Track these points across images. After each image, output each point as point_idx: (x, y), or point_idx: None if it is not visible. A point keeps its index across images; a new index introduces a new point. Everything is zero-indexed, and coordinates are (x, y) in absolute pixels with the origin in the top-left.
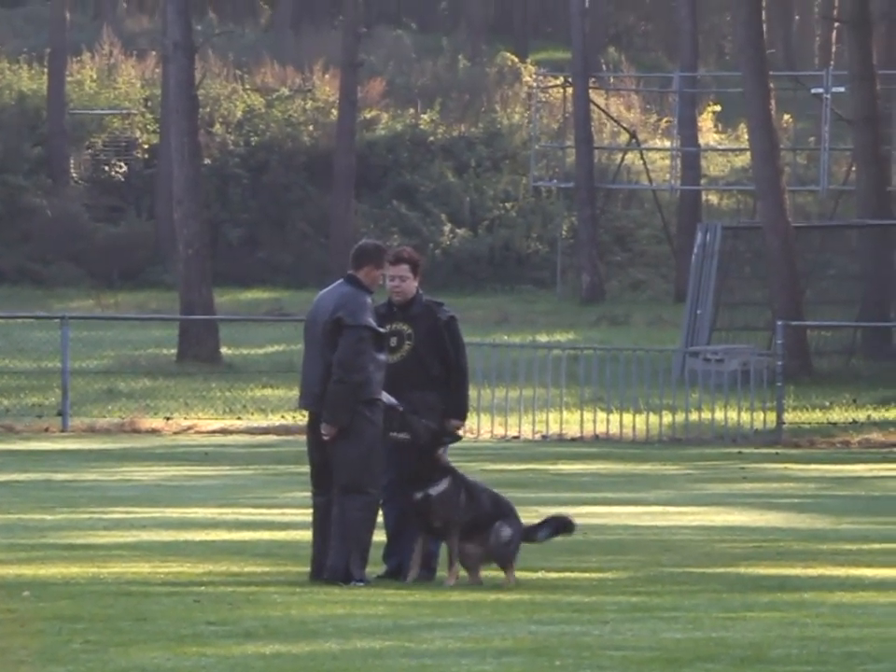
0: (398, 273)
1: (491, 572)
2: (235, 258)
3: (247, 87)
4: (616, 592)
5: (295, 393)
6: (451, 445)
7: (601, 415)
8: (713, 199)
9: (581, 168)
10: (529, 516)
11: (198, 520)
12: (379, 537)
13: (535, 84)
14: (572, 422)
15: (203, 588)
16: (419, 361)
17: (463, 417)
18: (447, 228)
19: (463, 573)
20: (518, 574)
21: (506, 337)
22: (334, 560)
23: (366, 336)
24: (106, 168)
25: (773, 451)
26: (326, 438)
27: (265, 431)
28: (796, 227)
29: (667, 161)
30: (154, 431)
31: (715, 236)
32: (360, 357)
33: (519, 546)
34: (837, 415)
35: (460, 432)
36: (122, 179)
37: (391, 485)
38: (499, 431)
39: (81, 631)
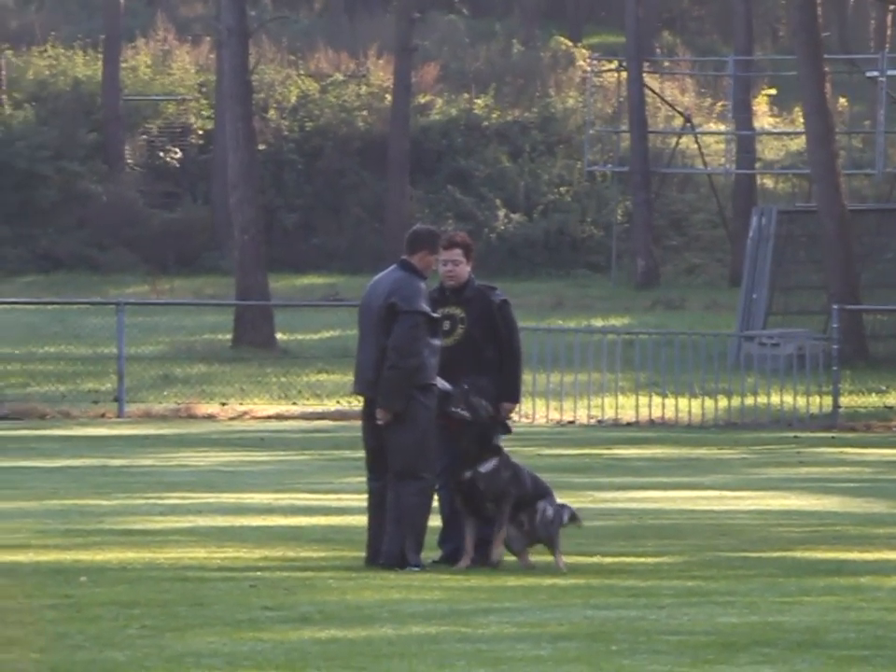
0: (451, 258)
1: (545, 556)
2: (290, 243)
3: (301, 72)
4: (672, 576)
5: (350, 378)
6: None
7: (656, 400)
8: (768, 182)
9: (635, 152)
10: (584, 501)
11: (254, 505)
12: (434, 522)
13: (589, 69)
14: (627, 406)
15: (259, 573)
16: (472, 345)
17: (516, 400)
18: (502, 213)
19: (513, 558)
20: (573, 559)
21: (561, 322)
22: (389, 545)
23: (420, 321)
24: (161, 154)
25: (829, 435)
26: (380, 423)
27: (320, 416)
28: (852, 210)
29: (722, 145)
30: (209, 417)
31: (770, 220)
32: (415, 342)
33: (560, 527)
34: (894, 399)
35: (512, 419)
36: (177, 165)
37: (446, 470)
38: (555, 416)
39: (138, 616)
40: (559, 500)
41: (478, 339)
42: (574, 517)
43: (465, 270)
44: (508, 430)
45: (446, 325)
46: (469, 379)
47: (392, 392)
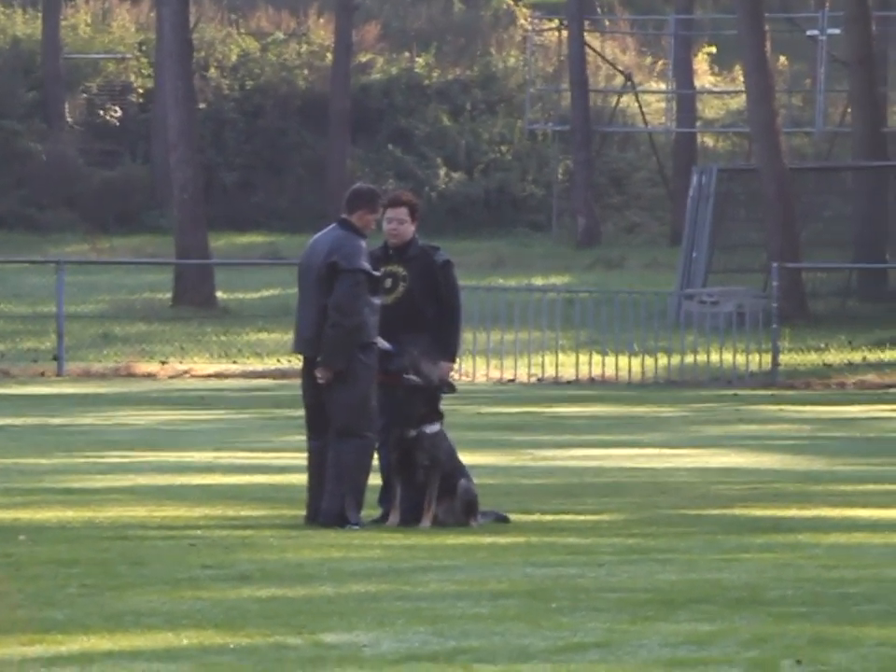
0: (396, 216)
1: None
2: (230, 202)
3: (242, 31)
4: (611, 534)
5: (290, 337)
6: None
7: (597, 358)
8: (709, 141)
9: (576, 111)
10: (524, 459)
11: (194, 464)
12: (375, 480)
13: (530, 27)
14: (568, 365)
15: (198, 532)
16: (413, 303)
17: (453, 360)
18: (442, 171)
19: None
20: (513, 516)
21: (501, 280)
22: (329, 504)
23: (361, 280)
24: (101, 112)
25: (768, 393)
26: (321, 382)
27: (261, 375)
28: (791, 169)
29: (663, 104)
30: (150, 375)
31: (711, 179)
32: (356, 300)
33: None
34: (833, 357)
35: (453, 378)
36: (117, 124)
37: (386, 429)
38: (495, 374)
39: (77, 575)
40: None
41: (418, 298)
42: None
43: (409, 229)
44: (453, 389)
45: (388, 283)
46: (409, 337)
47: (333, 351)
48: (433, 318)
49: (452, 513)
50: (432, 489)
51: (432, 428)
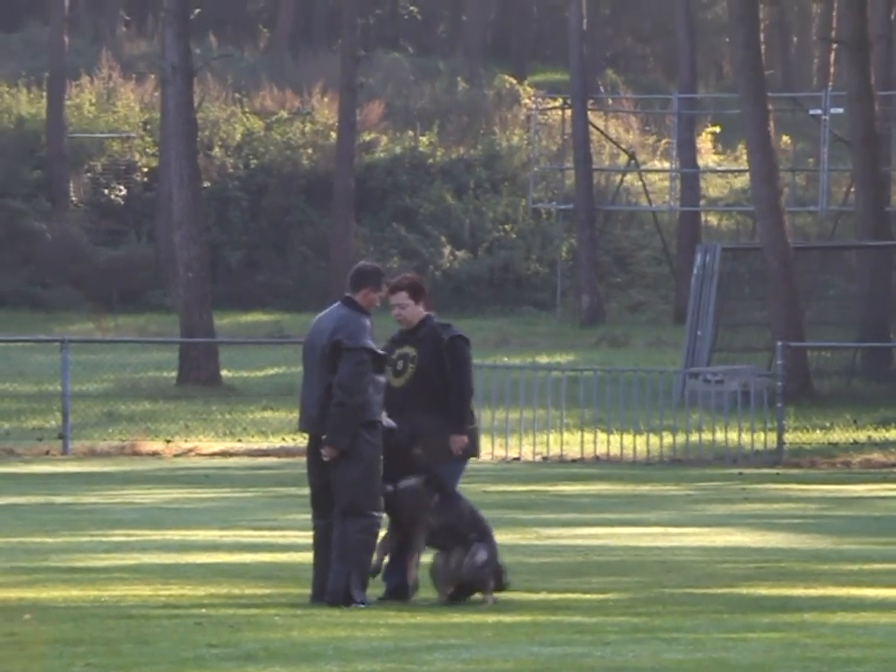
0: (397, 302)
1: (500, 593)
2: (235, 280)
3: (246, 110)
4: (617, 613)
5: (295, 415)
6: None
7: (601, 436)
8: (712, 220)
9: (580, 189)
10: (530, 537)
11: (199, 542)
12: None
13: (534, 106)
14: (573, 443)
15: (204, 610)
16: (422, 383)
17: (460, 430)
18: (447, 250)
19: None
20: (519, 595)
21: (506, 359)
22: (334, 582)
23: (365, 358)
24: (106, 191)
25: (774, 471)
26: (326, 460)
27: (265, 454)
28: (795, 248)
29: (666, 183)
30: (155, 454)
31: (714, 257)
32: (360, 379)
33: (493, 569)
34: (838, 436)
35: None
36: (122, 202)
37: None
38: (500, 453)
39: (83, 654)
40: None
41: (428, 377)
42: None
43: (414, 311)
44: (474, 454)
45: (399, 364)
46: (422, 417)
47: (338, 429)
48: (445, 397)
49: (444, 574)
50: (414, 546)
51: (407, 483)
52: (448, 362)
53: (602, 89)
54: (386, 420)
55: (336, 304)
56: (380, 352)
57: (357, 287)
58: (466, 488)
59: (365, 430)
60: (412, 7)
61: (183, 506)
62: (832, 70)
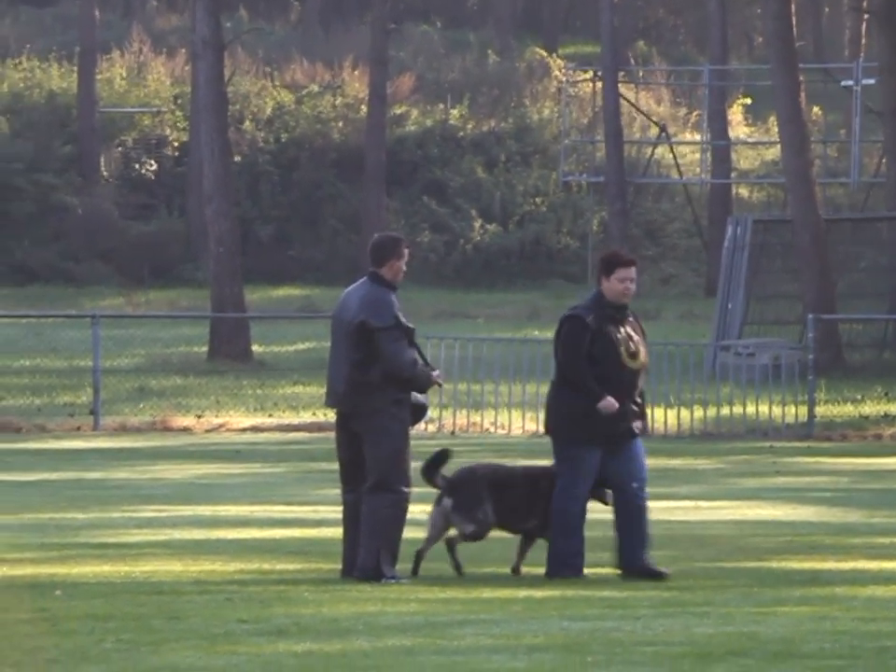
0: (630, 276)
1: (528, 567)
2: (266, 255)
3: (277, 84)
4: (648, 587)
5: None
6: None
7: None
8: (743, 192)
9: (610, 162)
10: None
11: (229, 518)
12: (412, 533)
13: (564, 79)
14: None
15: (234, 586)
16: (644, 366)
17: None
18: (477, 223)
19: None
20: None
21: (537, 332)
22: (364, 558)
23: (398, 335)
24: (137, 166)
25: (804, 445)
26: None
27: (296, 429)
28: (827, 220)
29: (697, 155)
30: (185, 429)
31: (746, 230)
32: (404, 353)
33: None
34: (869, 409)
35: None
36: (153, 177)
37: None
38: (531, 427)
39: (113, 630)
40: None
41: (646, 362)
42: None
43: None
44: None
45: (631, 346)
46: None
47: (421, 385)
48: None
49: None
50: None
51: None
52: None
53: (633, 61)
54: (415, 395)
55: (363, 280)
56: (409, 325)
57: (381, 260)
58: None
59: (393, 406)
60: None
61: (214, 481)
62: (863, 41)
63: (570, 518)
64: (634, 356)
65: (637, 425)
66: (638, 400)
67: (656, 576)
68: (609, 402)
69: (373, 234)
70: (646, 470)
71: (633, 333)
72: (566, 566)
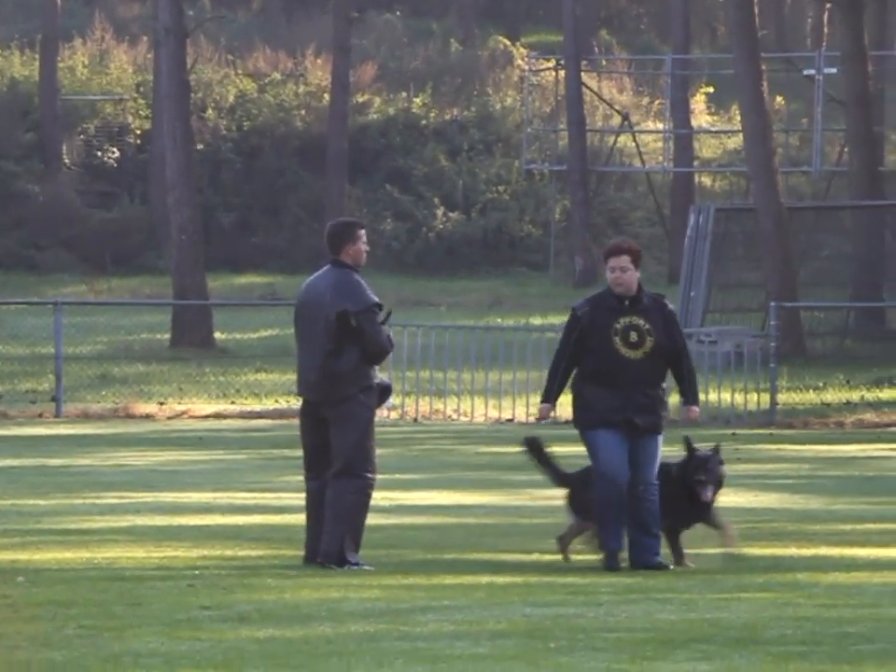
0: (619, 265)
1: (486, 555)
2: (228, 242)
3: (239, 72)
4: (610, 574)
5: (289, 377)
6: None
7: None
8: (706, 181)
9: (573, 151)
10: (523, 498)
11: (192, 504)
12: (371, 520)
13: (527, 67)
14: (565, 404)
15: (197, 572)
16: (659, 357)
17: (698, 402)
18: (440, 211)
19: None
20: (512, 556)
21: (499, 320)
22: (328, 544)
23: (377, 312)
24: (99, 153)
25: (767, 432)
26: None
27: (259, 416)
28: (789, 208)
29: (660, 144)
30: (148, 416)
31: (708, 218)
32: (383, 332)
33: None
34: (831, 396)
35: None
36: (115, 165)
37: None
38: (493, 414)
39: (75, 616)
40: None
41: (663, 350)
42: None
43: (633, 277)
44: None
45: (633, 336)
46: (652, 392)
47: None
48: (666, 370)
49: None
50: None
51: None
52: (678, 336)
53: (596, 49)
54: (380, 378)
55: (326, 267)
56: (380, 303)
57: (338, 247)
58: (459, 450)
59: (362, 393)
60: None
61: (176, 468)
62: (825, 30)
63: (605, 505)
64: (635, 346)
65: (646, 420)
66: (652, 392)
67: (661, 568)
68: (540, 409)
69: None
70: (655, 473)
71: (642, 323)
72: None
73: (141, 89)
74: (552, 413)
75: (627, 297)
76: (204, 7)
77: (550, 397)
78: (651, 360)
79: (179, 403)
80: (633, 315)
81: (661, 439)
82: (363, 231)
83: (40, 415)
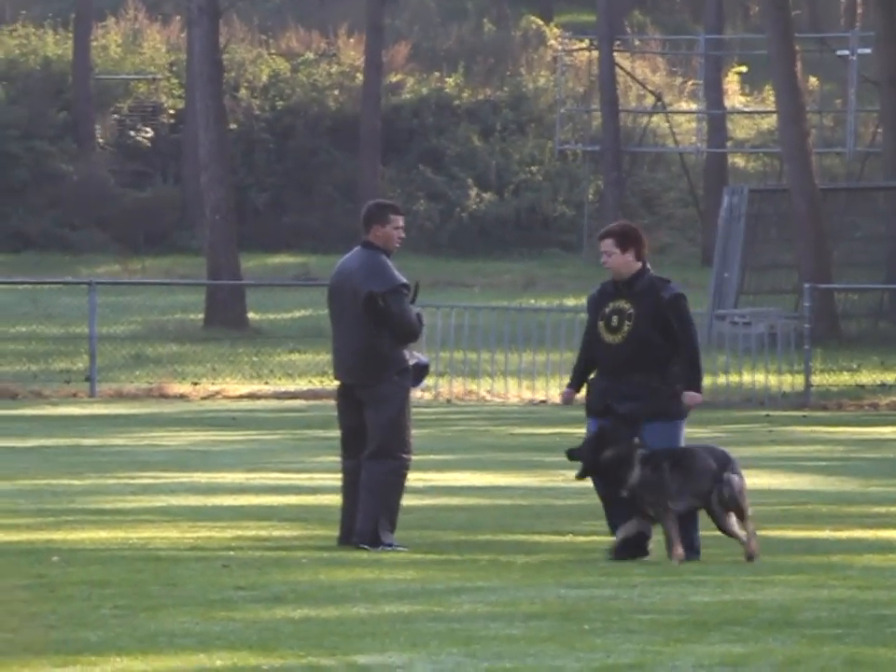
0: (604, 249)
1: (520, 536)
2: (262, 222)
3: (272, 51)
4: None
5: (322, 358)
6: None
7: None
8: (739, 161)
9: (606, 131)
10: (556, 480)
11: (226, 485)
12: (409, 501)
13: (560, 47)
14: None
15: (231, 553)
16: (640, 342)
17: (699, 388)
18: (473, 192)
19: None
20: (546, 538)
21: (533, 301)
22: (363, 524)
23: (404, 292)
24: (132, 133)
25: (800, 413)
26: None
27: (292, 396)
28: (823, 189)
29: (693, 124)
30: (182, 396)
31: (742, 199)
32: (411, 309)
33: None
34: (865, 378)
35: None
36: (148, 144)
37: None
38: (527, 395)
39: (110, 596)
40: None
41: (644, 335)
42: None
43: (620, 260)
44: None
45: (614, 320)
46: (638, 377)
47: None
48: (662, 356)
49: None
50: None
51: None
52: (674, 321)
53: (629, 30)
54: (417, 356)
55: (356, 249)
56: (406, 283)
57: (366, 227)
58: (493, 431)
59: (398, 374)
60: None
61: (210, 448)
62: (859, 10)
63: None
64: (614, 330)
65: (629, 407)
66: (640, 378)
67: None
68: (563, 394)
69: (368, 201)
70: None
71: (627, 307)
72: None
73: (174, 68)
74: (575, 397)
75: (620, 281)
76: None
77: (573, 381)
78: (631, 346)
79: (213, 384)
80: (622, 299)
81: (666, 426)
82: (397, 217)
83: (74, 395)
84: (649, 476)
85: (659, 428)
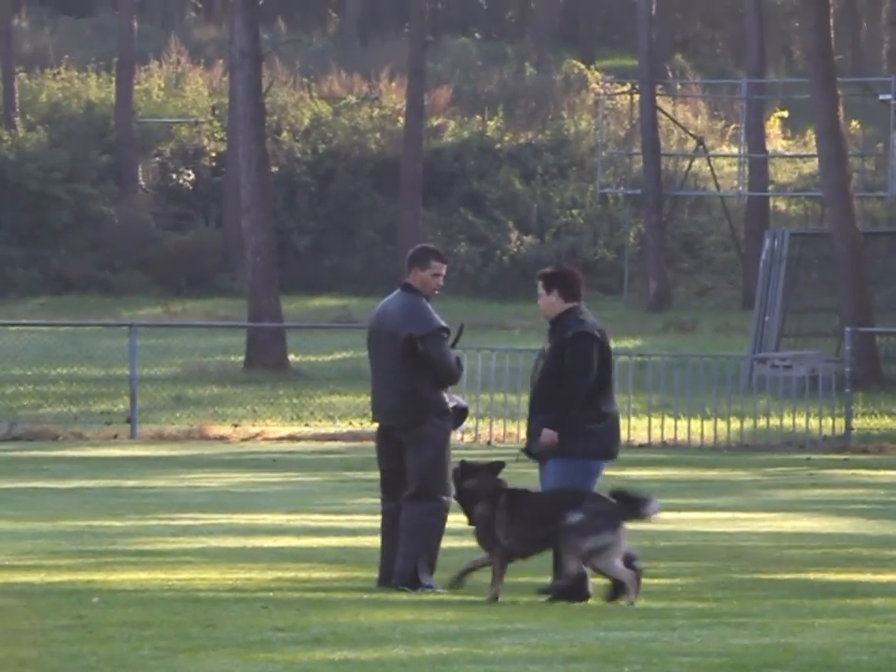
0: (538, 291)
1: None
2: (303, 265)
3: (314, 95)
4: (684, 598)
5: (362, 400)
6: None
7: (669, 422)
8: (781, 205)
9: (648, 175)
10: None
11: (266, 526)
12: (449, 543)
13: (602, 91)
14: (640, 428)
15: (271, 594)
16: (547, 380)
17: (553, 426)
18: (514, 235)
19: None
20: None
21: None
22: (402, 565)
23: (444, 335)
24: (174, 176)
25: (842, 457)
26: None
27: (333, 438)
28: (864, 233)
29: (735, 168)
30: (222, 438)
31: (783, 242)
32: (451, 353)
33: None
34: None
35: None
36: (190, 187)
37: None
38: None
39: (150, 637)
40: None
41: (549, 373)
42: None
43: (546, 302)
44: (604, 455)
45: (539, 360)
46: (539, 419)
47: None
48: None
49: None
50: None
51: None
52: (567, 358)
53: (670, 74)
54: (455, 399)
55: (397, 292)
56: (446, 327)
57: (409, 268)
58: (533, 474)
59: (438, 416)
60: None
61: (250, 490)
62: None
63: None
64: (535, 369)
65: (540, 442)
66: (542, 418)
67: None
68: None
69: (411, 245)
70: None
71: (547, 347)
72: None
73: (216, 111)
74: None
75: (549, 321)
76: (280, 31)
77: None
78: (541, 384)
79: (253, 425)
80: (549, 339)
81: (564, 463)
82: (439, 264)
83: (115, 437)
84: (483, 512)
85: (556, 467)
